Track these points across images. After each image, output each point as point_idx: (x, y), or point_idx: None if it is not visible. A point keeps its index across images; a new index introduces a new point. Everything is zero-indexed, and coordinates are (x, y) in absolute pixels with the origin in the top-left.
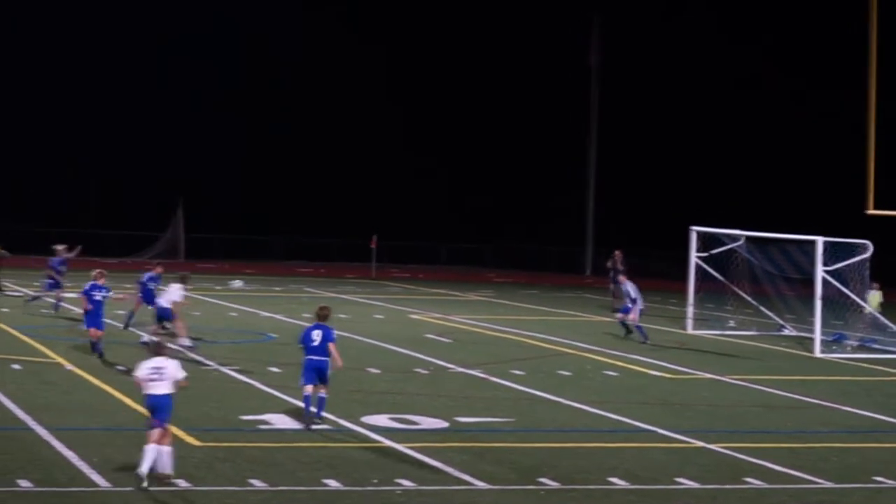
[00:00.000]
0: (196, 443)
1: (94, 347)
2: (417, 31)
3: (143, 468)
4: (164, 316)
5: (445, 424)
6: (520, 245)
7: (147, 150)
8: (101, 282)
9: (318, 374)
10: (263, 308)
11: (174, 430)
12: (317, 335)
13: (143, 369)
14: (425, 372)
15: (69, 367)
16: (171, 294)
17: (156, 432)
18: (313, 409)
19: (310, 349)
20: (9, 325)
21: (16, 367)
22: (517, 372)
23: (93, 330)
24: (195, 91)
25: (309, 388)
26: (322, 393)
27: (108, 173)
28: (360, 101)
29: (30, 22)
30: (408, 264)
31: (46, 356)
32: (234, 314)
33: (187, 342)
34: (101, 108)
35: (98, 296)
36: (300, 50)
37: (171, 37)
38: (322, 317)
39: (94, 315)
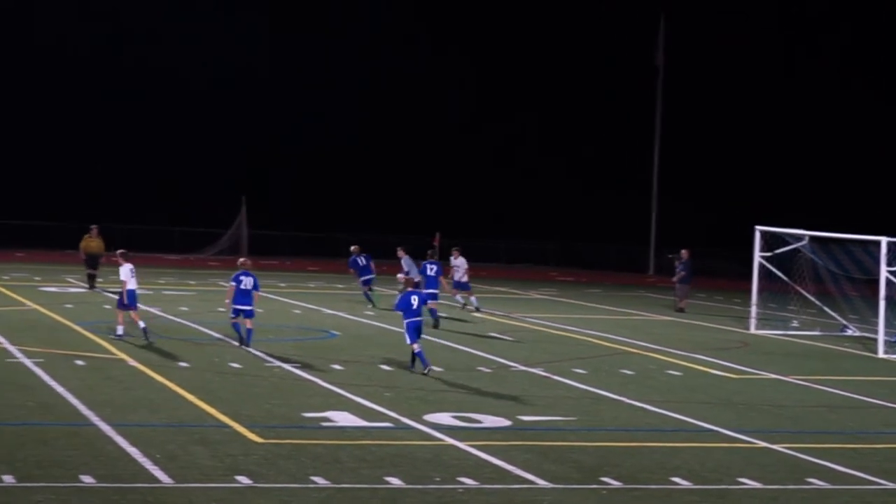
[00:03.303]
0: (258, 440)
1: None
2: (482, 23)
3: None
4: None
5: (508, 423)
6: (582, 244)
7: (213, 147)
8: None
9: (419, 331)
10: (327, 305)
11: (237, 426)
12: (414, 300)
13: None
14: (488, 370)
15: (132, 362)
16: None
17: None
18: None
19: (409, 313)
20: (73, 321)
21: (79, 362)
22: (579, 371)
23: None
24: (258, 88)
25: (415, 346)
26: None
27: (171, 171)
28: (424, 98)
29: (89, 19)
30: (470, 262)
31: (109, 352)
32: (297, 311)
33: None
34: (166, 104)
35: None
36: (363, 46)
37: (228, 31)
38: (414, 284)
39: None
